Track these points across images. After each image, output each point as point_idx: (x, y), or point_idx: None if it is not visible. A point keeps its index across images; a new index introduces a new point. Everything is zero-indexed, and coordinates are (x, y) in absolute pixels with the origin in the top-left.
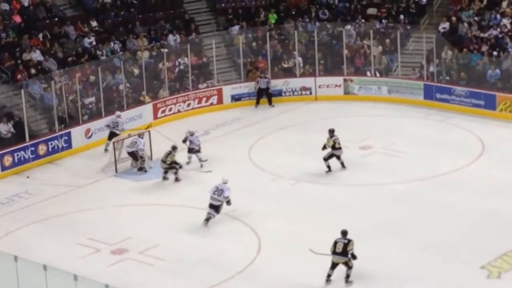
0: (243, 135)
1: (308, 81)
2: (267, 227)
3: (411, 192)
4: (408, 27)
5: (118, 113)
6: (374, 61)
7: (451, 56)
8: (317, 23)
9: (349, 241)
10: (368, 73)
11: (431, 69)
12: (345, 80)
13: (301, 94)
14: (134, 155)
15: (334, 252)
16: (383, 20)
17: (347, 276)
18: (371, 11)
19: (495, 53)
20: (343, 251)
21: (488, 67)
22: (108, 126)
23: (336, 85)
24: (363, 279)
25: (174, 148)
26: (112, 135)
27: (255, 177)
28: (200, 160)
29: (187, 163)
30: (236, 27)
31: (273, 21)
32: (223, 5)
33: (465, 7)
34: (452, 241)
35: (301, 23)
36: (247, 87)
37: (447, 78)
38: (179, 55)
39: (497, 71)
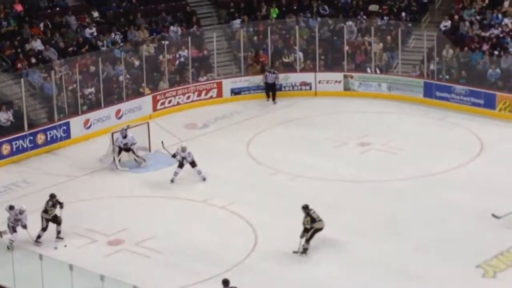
0: (242, 129)
1: (308, 76)
2: (264, 221)
3: (409, 190)
4: (410, 25)
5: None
6: (374, 58)
7: (451, 54)
8: (319, 19)
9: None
10: (369, 70)
11: (432, 67)
12: (345, 76)
13: (301, 89)
14: (127, 150)
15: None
16: (385, 17)
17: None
18: (373, 7)
19: (496, 52)
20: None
21: (489, 67)
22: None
23: (336, 81)
24: (360, 276)
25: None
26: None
27: (253, 171)
28: (199, 173)
29: (172, 180)
30: (238, 21)
31: (274, 15)
32: None
33: (467, 6)
34: (449, 239)
35: (302, 18)
36: (247, 81)
37: (447, 76)
38: (180, 48)
39: (498, 70)
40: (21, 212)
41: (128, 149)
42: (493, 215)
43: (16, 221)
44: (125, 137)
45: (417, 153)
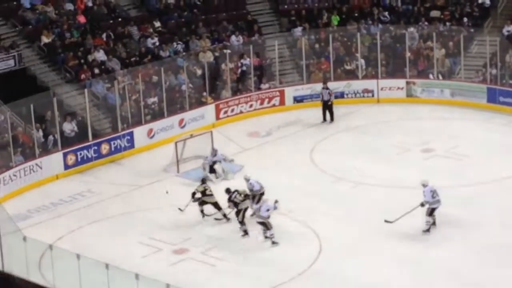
0: (305, 137)
1: (370, 84)
2: (328, 228)
3: (473, 195)
4: (472, 30)
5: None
6: (437, 64)
7: None
8: (380, 25)
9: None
10: (431, 76)
11: (494, 72)
12: (407, 83)
13: (363, 96)
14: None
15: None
16: (447, 23)
17: None
18: (435, 13)
19: None
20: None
21: None
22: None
23: (398, 88)
24: (424, 279)
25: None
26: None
27: (316, 178)
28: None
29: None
30: (299, 29)
31: (335, 23)
32: (286, 6)
33: None
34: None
35: (364, 25)
36: (309, 88)
37: (511, 81)
38: (242, 56)
39: None
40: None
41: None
42: (386, 221)
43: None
44: (215, 155)
45: (482, 159)
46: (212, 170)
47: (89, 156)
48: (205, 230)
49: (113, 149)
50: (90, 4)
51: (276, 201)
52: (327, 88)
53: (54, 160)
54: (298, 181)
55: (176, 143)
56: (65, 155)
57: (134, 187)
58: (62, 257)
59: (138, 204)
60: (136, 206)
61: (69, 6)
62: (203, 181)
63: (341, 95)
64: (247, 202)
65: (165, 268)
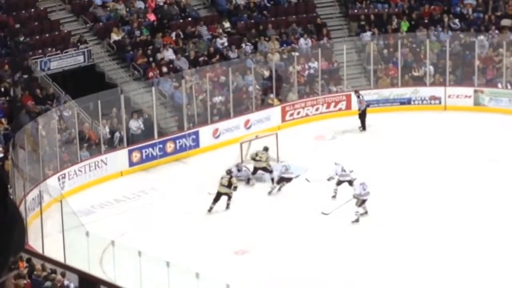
0: (370, 142)
1: (438, 91)
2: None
3: None
4: None
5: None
6: (506, 73)
7: None
8: (450, 33)
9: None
10: (499, 85)
11: None
12: (475, 91)
13: (430, 103)
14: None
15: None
16: None
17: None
18: (506, 22)
19: None
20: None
21: None
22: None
23: (466, 96)
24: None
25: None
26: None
27: (380, 184)
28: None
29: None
30: (368, 34)
31: (405, 28)
32: (355, 11)
33: None
34: None
35: (433, 32)
36: (376, 93)
37: None
38: (310, 59)
39: None
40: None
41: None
42: (323, 213)
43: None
44: (239, 171)
45: None
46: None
47: (154, 154)
48: (268, 234)
49: (178, 147)
50: (160, 2)
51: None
52: (359, 97)
53: (119, 157)
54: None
55: (241, 143)
56: (130, 152)
57: (198, 187)
58: (123, 253)
59: (201, 203)
60: (200, 206)
61: (140, 4)
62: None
63: (408, 101)
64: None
65: (226, 269)
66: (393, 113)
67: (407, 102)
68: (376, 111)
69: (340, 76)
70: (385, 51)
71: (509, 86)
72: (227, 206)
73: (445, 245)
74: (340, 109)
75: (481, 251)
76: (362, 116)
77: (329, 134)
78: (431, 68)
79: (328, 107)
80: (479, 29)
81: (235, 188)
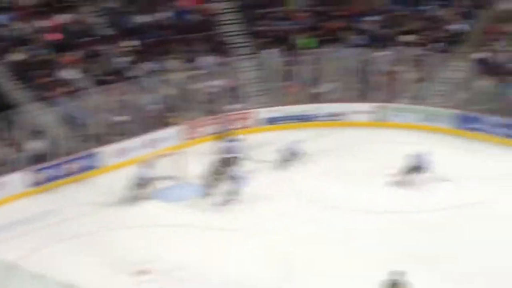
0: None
1: (341, 107)
2: (297, 252)
3: (439, 222)
4: (444, 55)
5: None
6: (408, 88)
7: (485, 85)
8: (353, 49)
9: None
10: (402, 100)
11: (464, 97)
12: (378, 107)
13: (334, 120)
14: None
15: None
16: (419, 47)
17: None
18: (407, 38)
19: None
20: None
21: None
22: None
23: (368, 112)
24: None
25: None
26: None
27: (289, 200)
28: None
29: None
30: (271, 51)
31: (308, 45)
32: (259, 28)
33: (501, 37)
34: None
35: (336, 48)
36: (279, 110)
37: (480, 107)
38: (213, 77)
39: None
40: None
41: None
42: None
43: None
44: None
45: (450, 184)
46: None
47: (56, 174)
48: (170, 251)
49: (80, 168)
50: (63, 21)
51: None
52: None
53: (20, 178)
54: (271, 203)
55: (141, 162)
56: (31, 173)
57: (100, 207)
58: (24, 276)
59: (102, 223)
60: (99, 225)
61: (42, 23)
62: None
63: (311, 118)
64: None
65: None
66: (296, 130)
67: (310, 118)
68: (280, 128)
69: (244, 94)
70: (289, 68)
71: (411, 101)
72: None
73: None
74: (245, 127)
75: None
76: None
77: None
78: (334, 84)
79: (233, 125)
80: (382, 44)
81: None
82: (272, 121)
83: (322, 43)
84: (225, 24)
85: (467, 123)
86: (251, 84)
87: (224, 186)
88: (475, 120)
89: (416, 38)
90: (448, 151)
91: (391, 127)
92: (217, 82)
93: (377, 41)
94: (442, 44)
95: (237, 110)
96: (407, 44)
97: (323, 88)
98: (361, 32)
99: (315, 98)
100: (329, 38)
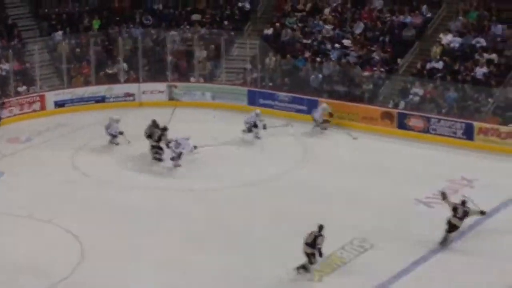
0: (67, 142)
1: (132, 87)
2: (90, 234)
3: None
4: (232, 33)
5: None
6: (198, 67)
7: (274, 62)
8: (141, 29)
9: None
10: (192, 79)
11: (255, 74)
12: (169, 86)
13: (125, 100)
14: None
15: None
16: (208, 26)
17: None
18: (196, 17)
19: (318, 59)
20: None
21: (311, 73)
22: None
23: (159, 91)
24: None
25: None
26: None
27: (80, 183)
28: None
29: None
30: (60, 33)
31: (96, 26)
32: (46, 10)
33: (289, 14)
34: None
35: (125, 28)
36: (70, 93)
37: (271, 83)
38: (0, 61)
39: (320, 76)
40: None
41: None
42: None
43: None
44: None
45: (245, 159)
46: None
47: None
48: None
49: None
50: None
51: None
52: None
53: None
54: (60, 186)
55: None
56: None
57: None
58: None
59: None
60: None
61: None
62: None
63: (102, 99)
64: None
65: None
66: (88, 112)
67: (101, 100)
68: (72, 110)
69: (33, 77)
70: (78, 50)
71: (201, 80)
72: None
73: None
74: (34, 110)
75: None
76: None
77: (23, 136)
78: (125, 65)
79: (22, 108)
80: (170, 24)
81: None
82: (62, 104)
83: (110, 23)
84: (11, 7)
85: (257, 100)
86: (41, 67)
87: None
88: (265, 96)
89: (204, 17)
90: (239, 128)
91: (183, 106)
92: (5, 66)
93: (166, 21)
94: (230, 22)
95: (25, 93)
96: (196, 23)
97: (114, 69)
98: (150, 12)
99: (107, 79)
100: (118, 19)
